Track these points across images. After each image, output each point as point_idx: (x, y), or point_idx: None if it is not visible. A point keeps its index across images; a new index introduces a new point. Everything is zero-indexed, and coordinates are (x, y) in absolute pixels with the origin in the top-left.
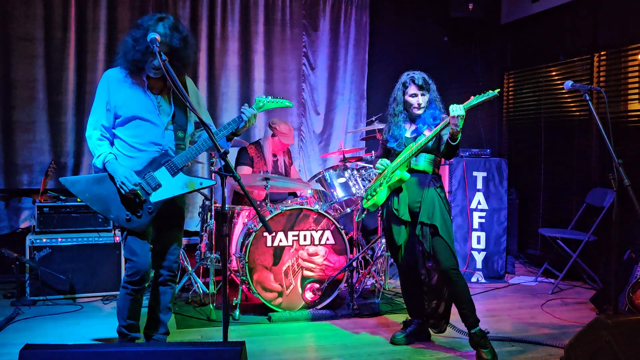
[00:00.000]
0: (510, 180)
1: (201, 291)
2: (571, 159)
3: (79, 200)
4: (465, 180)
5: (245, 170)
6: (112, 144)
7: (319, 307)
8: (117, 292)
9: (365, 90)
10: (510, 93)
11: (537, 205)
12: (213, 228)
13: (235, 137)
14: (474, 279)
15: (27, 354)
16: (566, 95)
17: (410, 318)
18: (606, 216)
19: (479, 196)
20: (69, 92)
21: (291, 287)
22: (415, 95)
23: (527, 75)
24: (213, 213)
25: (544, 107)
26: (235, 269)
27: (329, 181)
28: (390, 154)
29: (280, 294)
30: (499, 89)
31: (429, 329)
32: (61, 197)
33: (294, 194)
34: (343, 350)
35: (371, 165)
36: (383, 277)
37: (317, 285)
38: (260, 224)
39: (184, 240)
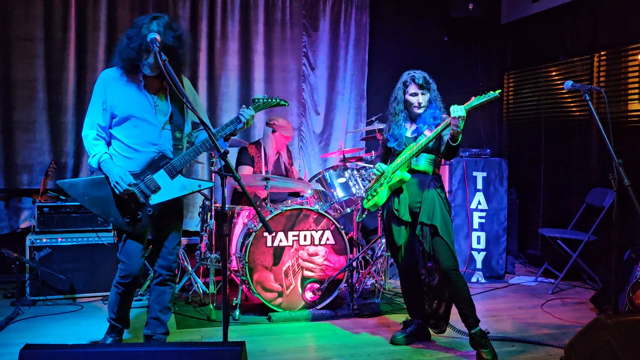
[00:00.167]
0: (510, 180)
1: (201, 291)
2: (571, 159)
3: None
4: (465, 180)
5: (246, 170)
6: (109, 144)
7: (319, 307)
8: None
9: (365, 90)
10: (510, 93)
11: (537, 205)
12: (213, 228)
13: (232, 137)
14: (474, 279)
15: (27, 354)
16: (566, 95)
17: (410, 318)
18: (606, 216)
19: (479, 196)
20: (69, 92)
21: (291, 287)
22: (415, 94)
23: (527, 75)
24: (213, 213)
25: (544, 107)
26: (235, 269)
27: (329, 181)
28: (391, 154)
29: (280, 294)
30: (500, 90)
31: (429, 329)
32: (61, 197)
33: (295, 195)
34: (343, 350)
35: (371, 165)
36: (383, 277)
37: (317, 285)
38: (261, 224)
39: (184, 240)
